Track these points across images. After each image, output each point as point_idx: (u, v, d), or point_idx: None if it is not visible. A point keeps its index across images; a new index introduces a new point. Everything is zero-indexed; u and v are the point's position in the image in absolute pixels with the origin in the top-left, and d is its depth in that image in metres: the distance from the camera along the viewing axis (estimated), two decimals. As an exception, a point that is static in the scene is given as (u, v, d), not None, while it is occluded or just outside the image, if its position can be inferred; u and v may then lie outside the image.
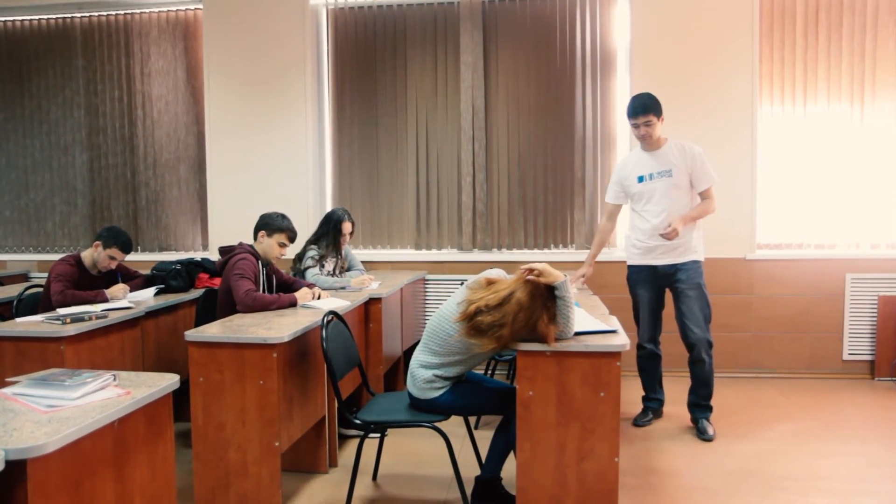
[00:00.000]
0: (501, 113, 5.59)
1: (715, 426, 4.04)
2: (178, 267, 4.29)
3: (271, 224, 3.81)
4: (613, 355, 2.66)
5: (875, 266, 5.19)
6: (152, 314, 3.84)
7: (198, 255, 5.34)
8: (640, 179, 4.05)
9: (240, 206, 5.61)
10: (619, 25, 5.46)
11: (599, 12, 5.46)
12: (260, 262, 3.72)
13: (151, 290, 4.04)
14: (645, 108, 3.87)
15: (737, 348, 5.28)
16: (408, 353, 5.09)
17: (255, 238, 3.82)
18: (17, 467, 1.58)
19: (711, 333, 3.99)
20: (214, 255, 5.34)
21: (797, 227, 5.33)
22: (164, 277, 4.23)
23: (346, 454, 3.79)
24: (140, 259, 5.64)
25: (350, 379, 3.79)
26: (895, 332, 5.10)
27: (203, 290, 4.20)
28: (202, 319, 3.78)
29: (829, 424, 4.20)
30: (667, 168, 3.96)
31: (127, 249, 3.95)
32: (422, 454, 3.78)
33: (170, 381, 2.15)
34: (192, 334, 2.95)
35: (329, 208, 5.72)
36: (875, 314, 5.15)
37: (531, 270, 2.70)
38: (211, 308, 3.79)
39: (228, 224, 5.63)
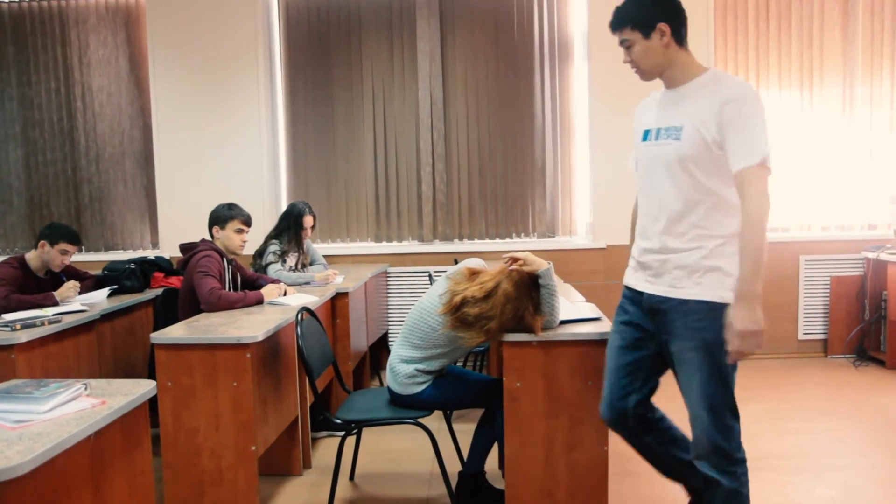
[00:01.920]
0: (460, 102, 5.51)
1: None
2: (132, 266, 4.08)
3: (221, 216, 3.64)
4: (601, 343, 2.62)
5: (826, 248, 5.34)
6: (107, 317, 3.63)
7: (148, 254, 5.09)
8: (645, 136, 2.35)
9: (191, 202, 5.37)
10: (577, 13, 5.45)
11: (557, 0, 5.45)
12: (224, 259, 3.55)
13: (104, 292, 3.82)
14: (619, 19, 2.28)
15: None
16: (373, 349, 4.99)
17: (212, 236, 3.65)
18: (-10, 491, 1.43)
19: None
20: (166, 254, 5.15)
21: (752, 211, 5.42)
22: (117, 278, 4.01)
23: (318, 455, 3.67)
24: (86, 259, 5.34)
25: (320, 378, 3.67)
26: (846, 311, 5.27)
27: (160, 289, 4.00)
28: (162, 320, 3.60)
29: (793, 403, 4.30)
30: (677, 123, 2.19)
31: (76, 241, 3.74)
32: (398, 451, 3.69)
33: (146, 388, 2.00)
34: (159, 336, 2.78)
35: (285, 202, 5.56)
36: (827, 294, 5.31)
37: (515, 260, 2.64)
38: (171, 308, 3.61)
39: (180, 220, 5.39)
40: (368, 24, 5.48)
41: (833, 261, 5.32)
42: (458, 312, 2.63)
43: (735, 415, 2.15)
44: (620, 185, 5.33)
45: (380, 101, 5.52)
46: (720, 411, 2.12)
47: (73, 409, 1.80)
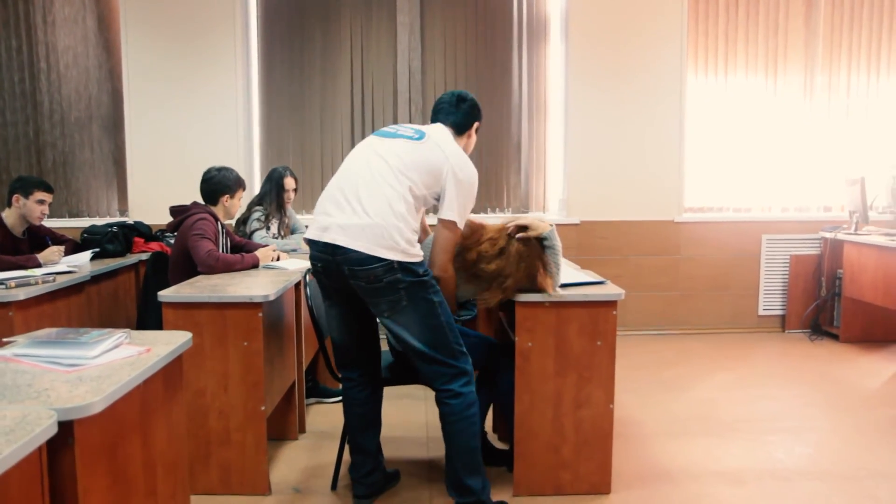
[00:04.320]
0: (439, 76, 5.52)
1: (659, 377, 4.25)
2: (115, 230, 3.96)
3: (232, 185, 3.56)
4: (611, 304, 2.72)
5: (786, 227, 5.60)
6: (95, 279, 3.53)
7: (115, 221, 4.93)
8: None
9: (163, 169, 5.24)
10: (556, -8, 5.53)
11: (536, -23, 5.50)
12: (219, 222, 3.49)
13: (87, 254, 3.70)
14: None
15: (665, 307, 5.56)
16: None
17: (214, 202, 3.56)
18: (62, 430, 1.40)
19: None
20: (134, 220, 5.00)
21: (718, 191, 5.65)
22: (99, 241, 3.89)
23: (310, 421, 3.66)
24: (50, 225, 5.14)
25: (310, 346, 3.67)
26: (804, 288, 5.55)
27: (143, 254, 3.90)
28: (153, 284, 3.52)
29: (761, 372, 4.52)
30: None
31: (50, 189, 3.66)
32: (393, 416, 3.71)
33: (185, 338, 1.98)
34: (168, 295, 2.74)
35: (258, 172, 5.48)
36: (787, 272, 5.58)
37: (518, 228, 2.67)
38: (161, 272, 3.54)
39: (151, 188, 5.25)
40: (349, -6, 5.42)
41: (792, 240, 5.59)
42: (472, 269, 2.66)
43: None
44: (594, 163, 5.48)
45: (358, 72, 5.48)
46: None
47: (121, 355, 1.77)
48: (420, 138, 2.56)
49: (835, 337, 5.34)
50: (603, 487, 2.83)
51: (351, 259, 2.38)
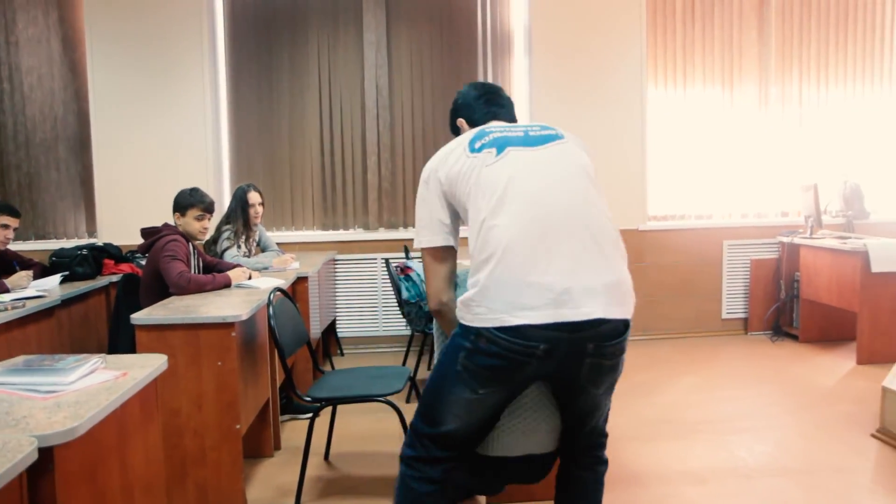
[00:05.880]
0: (406, 92, 5.61)
1: (629, 382, 4.35)
2: (84, 252, 3.97)
3: (181, 202, 3.60)
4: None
5: (746, 233, 5.78)
6: (65, 303, 3.54)
7: (83, 242, 4.92)
8: None
9: (131, 189, 5.24)
10: (518, 8, 5.65)
11: (498, -6, 5.63)
12: (190, 243, 3.53)
13: (56, 278, 3.71)
14: None
15: (634, 314, 5.66)
16: (324, 335, 5.04)
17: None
18: (42, 456, 1.45)
19: None
20: (103, 242, 4.99)
21: (680, 199, 5.81)
22: (69, 264, 3.89)
23: (285, 437, 3.70)
24: (16, 249, 5.10)
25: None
26: (764, 291, 5.72)
27: (113, 276, 3.91)
28: (124, 306, 3.53)
29: (725, 374, 4.66)
30: None
31: (16, 213, 3.68)
32: (371, 431, 3.78)
33: (160, 361, 2.03)
34: (140, 317, 2.77)
35: (228, 190, 5.50)
36: (748, 276, 5.75)
37: None
38: (132, 293, 3.55)
39: (120, 208, 5.24)
40: (314, 12, 5.49)
41: (752, 245, 5.77)
42: None
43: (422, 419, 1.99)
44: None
45: (325, 89, 5.55)
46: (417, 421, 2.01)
47: (97, 380, 1.81)
48: (563, 136, 2.01)
49: (794, 337, 5.52)
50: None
51: (604, 333, 1.79)
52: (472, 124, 2.16)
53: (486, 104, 2.19)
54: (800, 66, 5.86)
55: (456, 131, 2.27)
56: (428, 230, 1.98)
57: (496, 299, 1.75)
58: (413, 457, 1.98)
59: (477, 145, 1.94)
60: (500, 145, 1.91)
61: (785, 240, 5.60)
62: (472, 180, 1.88)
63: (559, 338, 1.74)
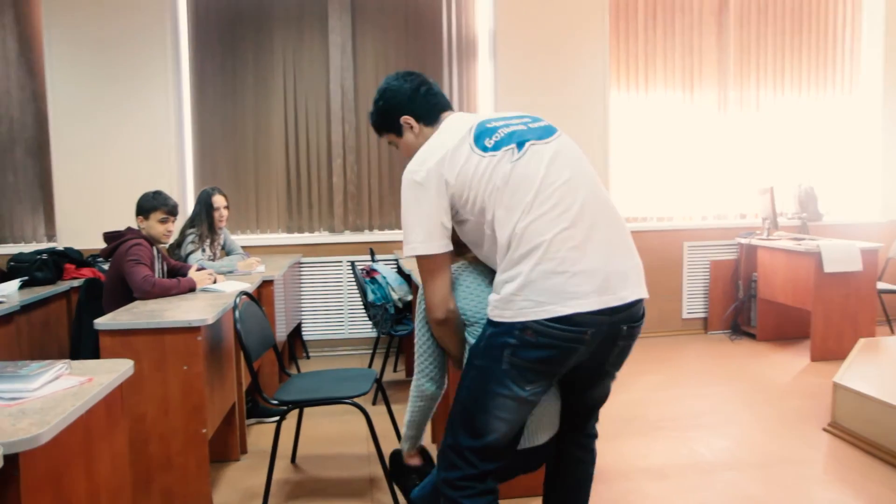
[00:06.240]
0: (371, 95, 5.56)
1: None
2: (44, 257, 3.91)
3: (144, 205, 3.56)
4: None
5: (706, 235, 5.92)
6: (24, 309, 3.48)
7: (42, 247, 4.84)
8: None
9: (92, 193, 5.16)
10: (483, 12, 5.71)
11: (463, -1, 5.68)
12: (154, 247, 3.50)
13: (15, 283, 3.65)
14: (376, 128, 2.28)
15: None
16: (290, 338, 5.03)
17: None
18: (8, 463, 1.44)
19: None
20: (63, 246, 4.91)
21: (641, 201, 5.93)
22: (28, 269, 3.83)
23: (251, 441, 3.70)
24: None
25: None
26: (723, 291, 5.87)
27: (73, 281, 3.86)
28: (87, 310, 3.49)
29: (685, 373, 4.78)
30: None
31: None
32: (338, 433, 3.79)
33: (126, 366, 2.02)
34: (104, 322, 2.74)
35: (191, 193, 5.46)
36: (707, 277, 5.89)
37: None
38: (95, 298, 3.52)
39: (80, 212, 5.15)
40: (279, 15, 5.47)
41: (711, 246, 5.92)
42: None
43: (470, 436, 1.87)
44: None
45: (291, 92, 5.54)
46: (457, 425, 1.92)
47: (62, 386, 1.80)
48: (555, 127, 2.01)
49: (752, 336, 5.67)
50: (538, 488, 2.95)
51: (634, 315, 1.87)
52: (420, 120, 2.07)
53: (428, 95, 2.08)
54: (757, 72, 6.03)
55: (394, 131, 2.12)
56: (427, 236, 1.86)
57: (543, 291, 1.75)
58: (460, 477, 1.88)
59: (488, 143, 1.87)
60: (519, 141, 1.88)
61: (743, 241, 5.75)
62: (498, 179, 1.82)
63: (602, 322, 1.79)
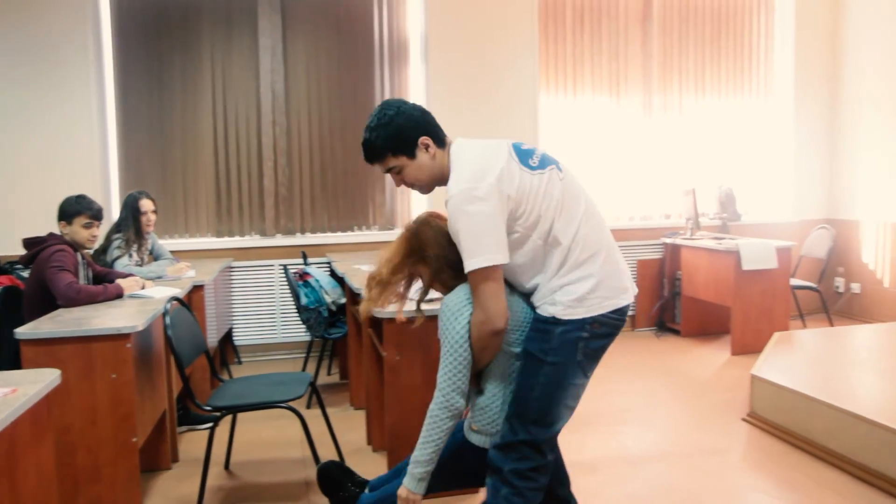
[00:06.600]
0: (302, 97, 5.59)
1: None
2: (-42, 264, 3.73)
3: (67, 210, 3.45)
4: (472, 317, 2.92)
5: (633, 235, 6.12)
6: (-63, 319, 3.32)
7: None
8: None
9: (10, 197, 4.95)
10: (414, 16, 5.75)
11: (395, 1, 5.70)
12: (78, 253, 3.39)
13: (-74, 293, 3.47)
14: (378, 151, 2.12)
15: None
16: (221, 344, 4.95)
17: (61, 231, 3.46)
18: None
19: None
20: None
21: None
22: (-59, 277, 3.65)
23: (182, 449, 3.63)
24: None
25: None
26: (650, 289, 6.08)
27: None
28: (5, 320, 3.35)
29: (612, 370, 4.92)
30: None
31: None
32: (274, 438, 3.76)
33: (52, 375, 1.97)
34: (25, 332, 2.65)
35: (117, 198, 5.31)
36: (635, 276, 6.08)
37: None
38: (14, 307, 3.38)
39: (-3, 217, 4.95)
40: (206, 15, 5.37)
41: (638, 246, 6.12)
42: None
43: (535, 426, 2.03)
44: (457, 180, 5.73)
45: (220, 94, 5.45)
46: (522, 418, 2.04)
47: (-16, 398, 1.75)
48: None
49: (677, 332, 5.90)
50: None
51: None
52: (436, 142, 2.10)
53: (433, 120, 2.14)
54: (680, 77, 6.27)
55: (406, 152, 2.08)
56: (495, 247, 1.95)
57: (608, 287, 2.02)
58: (532, 468, 2.02)
59: (532, 162, 2.06)
60: (556, 163, 2.13)
61: (668, 241, 5.97)
62: (556, 193, 2.04)
63: (621, 321, 2.08)
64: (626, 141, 6.16)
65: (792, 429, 3.52)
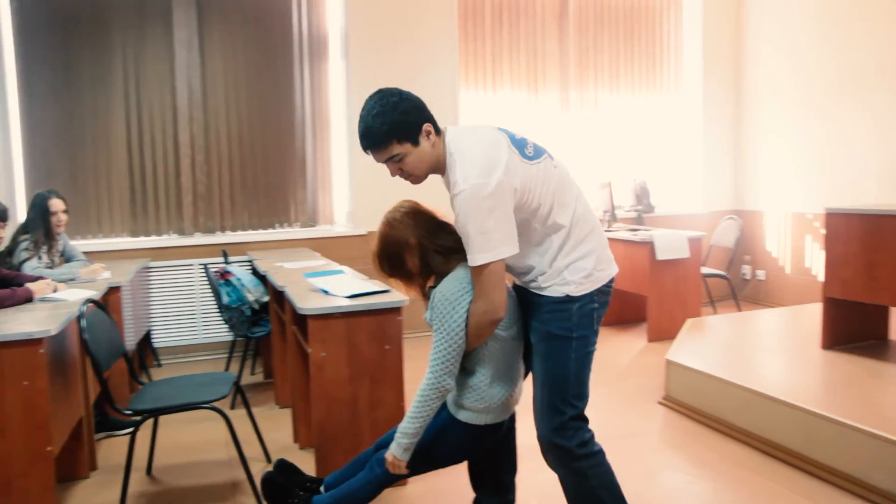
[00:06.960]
0: (220, 93, 5.47)
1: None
2: None
3: None
4: (396, 310, 2.97)
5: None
6: None
7: None
8: None
9: None
10: (333, 11, 5.72)
11: (314, -3, 5.66)
12: (-19, 256, 3.24)
13: None
14: (373, 141, 2.07)
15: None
16: (137, 348, 4.80)
17: None
18: None
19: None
20: None
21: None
22: None
23: (101, 456, 3.51)
24: None
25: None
26: (571, 280, 6.25)
27: None
28: None
29: (537, 359, 5.06)
30: None
31: None
32: (198, 440, 3.69)
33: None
34: (-74, 341, 2.52)
35: (22, 198, 5.07)
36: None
37: None
38: (-88, 314, 3.19)
39: None
40: (117, 8, 5.18)
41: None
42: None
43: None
44: (377, 176, 5.70)
45: (133, 88, 5.27)
46: (560, 400, 2.22)
47: None
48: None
49: (597, 321, 6.09)
50: (403, 480, 3.06)
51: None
52: (436, 129, 2.12)
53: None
54: (595, 73, 6.47)
55: (411, 139, 2.06)
56: (508, 240, 2.02)
57: (604, 258, 2.19)
58: (589, 438, 2.25)
59: (528, 152, 2.15)
60: (546, 151, 2.26)
61: (586, 232, 6.14)
62: (554, 182, 2.16)
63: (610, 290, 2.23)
64: (545, 135, 6.31)
65: (704, 409, 3.71)
